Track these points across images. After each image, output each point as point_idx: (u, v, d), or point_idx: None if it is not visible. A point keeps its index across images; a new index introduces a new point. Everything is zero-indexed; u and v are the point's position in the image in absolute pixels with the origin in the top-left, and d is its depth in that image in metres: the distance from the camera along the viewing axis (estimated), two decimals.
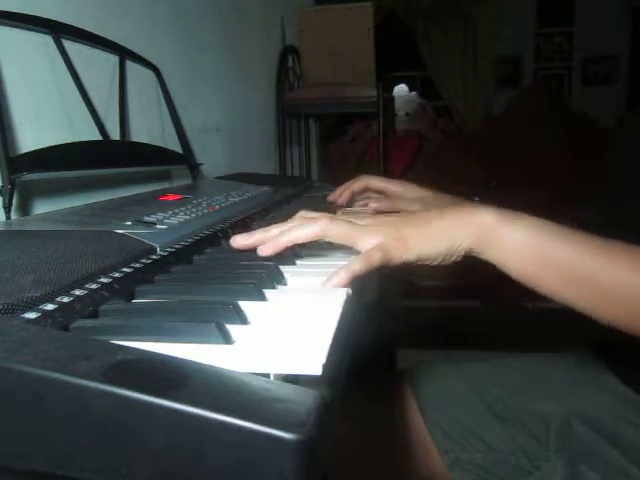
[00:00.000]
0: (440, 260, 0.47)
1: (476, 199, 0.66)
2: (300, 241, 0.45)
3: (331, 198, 0.76)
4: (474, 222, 0.46)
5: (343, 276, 0.41)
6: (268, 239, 0.45)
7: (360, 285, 0.43)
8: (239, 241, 0.47)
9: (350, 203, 0.76)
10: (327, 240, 0.45)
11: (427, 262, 0.47)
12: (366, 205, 0.73)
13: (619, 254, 0.44)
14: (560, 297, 0.46)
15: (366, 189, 0.74)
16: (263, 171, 1.60)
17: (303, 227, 0.45)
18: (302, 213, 0.49)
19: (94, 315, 0.33)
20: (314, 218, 0.46)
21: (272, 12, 1.89)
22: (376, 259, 0.44)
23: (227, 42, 1.43)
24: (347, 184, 0.71)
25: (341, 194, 0.75)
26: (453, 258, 0.47)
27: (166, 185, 0.99)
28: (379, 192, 0.74)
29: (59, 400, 0.22)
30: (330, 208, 0.71)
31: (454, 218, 0.47)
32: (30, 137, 0.67)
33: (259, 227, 0.47)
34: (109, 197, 0.73)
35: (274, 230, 0.46)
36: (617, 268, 0.44)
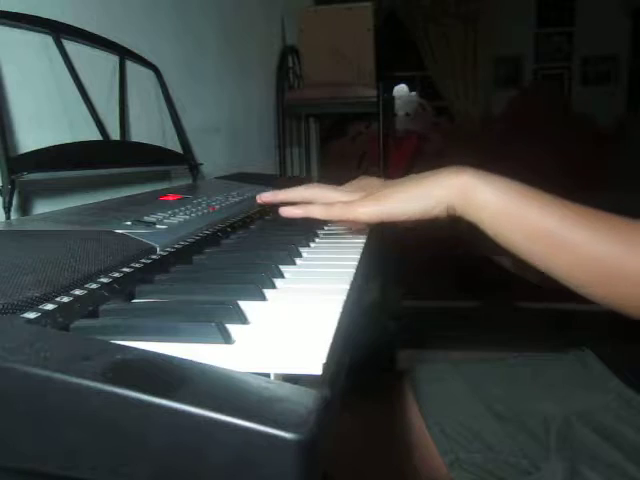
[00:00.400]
0: (414, 217, 0.50)
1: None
2: (292, 199, 0.57)
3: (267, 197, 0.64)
4: (453, 182, 0.49)
5: (299, 211, 0.52)
6: (289, 198, 0.58)
7: (360, 285, 0.43)
8: (265, 197, 0.60)
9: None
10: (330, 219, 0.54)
11: (401, 219, 0.50)
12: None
13: (593, 218, 0.45)
14: (529, 257, 0.47)
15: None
16: (263, 171, 1.60)
17: (296, 190, 0.57)
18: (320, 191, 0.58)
19: (94, 315, 0.32)
20: (331, 205, 0.53)
21: (272, 12, 1.89)
22: (335, 211, 0.51)
23: (227, 42, 1.43)
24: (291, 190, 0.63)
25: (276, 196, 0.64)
26: (431, 214, 0.50)
27: (166, 185, 0.99)
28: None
29: (59, 400, 0.22)
30: None
31: (433, 179, 0.50)
32: (30, 137, 0.67)
33: (259, 227, 0.48)
34: (109, 197, 0.73)
35: (292, 193, 0.58)
36: (587, 230, 0.45)
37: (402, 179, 0.55)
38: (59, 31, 0.72)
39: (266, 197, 0.61)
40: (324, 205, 0.52)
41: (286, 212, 0.54)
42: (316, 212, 0.51)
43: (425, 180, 0.51)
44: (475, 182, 0.48)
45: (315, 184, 0.59)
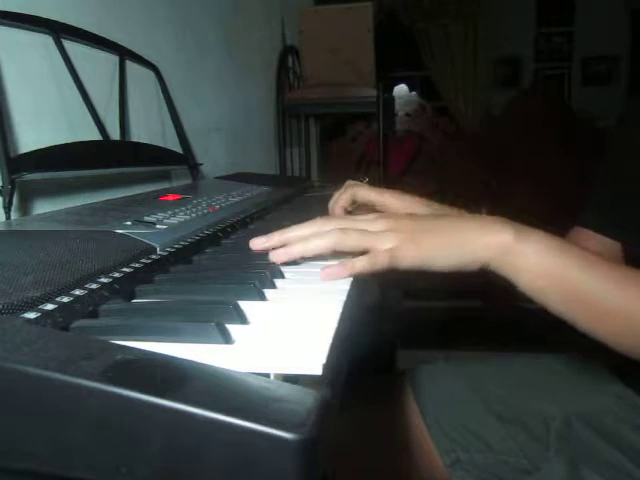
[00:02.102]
0: (450, 269, 0.47)
1: (484, 212, 0.63)
2: (312, 254, 0.45)
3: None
4: (493, 238, 0.46)
5: (340, 270, 0.42)
6: (284, 242, 0.46)
7: (360, 285, 0.43)
8: (258, 244, 0.48)
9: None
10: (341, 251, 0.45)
11: (437, 270, 0.47)
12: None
13: (631, 280, 0.45)
14: (569, 318, 0.47)
15: (354, 202, 0.64)
16: (263, 171, 1.60)
17: (316, 239, 0.45)
18: (320, 220, 0.49)
19: (94, 315, 0.32)
20: (326, 230, 0.46)
21: (272, 12, 1.89)
22: (382, 262, 0.44)
23: (227, 42, 1.43)
24: (335, 196, 0.61)
25: (333, 212, 0.63)
26: (467, 269, 0.47)
27: (166, 185, 0.99)
28: (367, 204, 0.63)
29: (59, 400, 0.22)
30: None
31: (473, 231, 0.47)
32: (30, 137, 0.67)
33: (259, 227, 0.47)
34: (109, 197, 0.73)
35: (290, 234, 0.47)
36: (624, 294, 0.45)
37: (433, 216, 0.51)
38: (59, 31, 0.72)
39: (264, 246, 0.48)
40: (367, 258, 0.45)
41: (330, 276, 0.43)
42: (360, 269, 0.44)
43: (464, 228, 0.47)
44: (516, 243, 0.46)
45: (328, 221, 0.49)
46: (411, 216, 0.51)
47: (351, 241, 0.45)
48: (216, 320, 0.29)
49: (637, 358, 0.48)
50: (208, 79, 1.32)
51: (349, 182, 0.61)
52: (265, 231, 0.49)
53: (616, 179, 0.71)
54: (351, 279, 0.42)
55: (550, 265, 0.46)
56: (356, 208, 0.64)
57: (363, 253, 0.46)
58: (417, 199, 0.58)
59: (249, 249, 0.48)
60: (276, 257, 0.45)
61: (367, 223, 0.48)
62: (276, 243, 0.47)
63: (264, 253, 0.47)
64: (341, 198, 0.59)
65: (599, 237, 0.72)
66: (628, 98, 3.87)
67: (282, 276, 0.42)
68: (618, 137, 0.75)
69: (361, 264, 0.43)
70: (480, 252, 0.46)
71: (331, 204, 0.61)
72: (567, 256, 0.46)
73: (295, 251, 0.45)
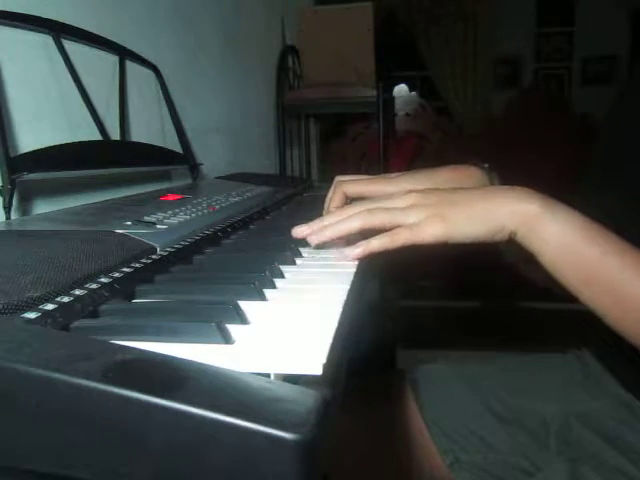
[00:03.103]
0: (477, 240, 0.47)
1: (485, 165, 0.62)
2: (343, 234, 0.48)
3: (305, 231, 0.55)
4: (520, 207, 0.46)
5: (358, 250, 0.44)
6: (322, 229, 0.49)
7: (361, 285, 0.43)
8: (299, 232, 0.50)
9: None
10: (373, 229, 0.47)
11: (463, 241, 0.47)
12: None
13: None
14: (582, 297, 0.47)
15: (346, 198, 0.63)
16: (263, 171, 1.60)
17: (345, 222, 0.48)
18: (348, 206, 0.52)
19: (94, 315, 0.32)
20: (354, 213, 0.48)
21: (272, 12, 1.89)
22: (401, 238, 0.45)
23: (227, 42, 1.43)
24: (327, 198, 0.61)
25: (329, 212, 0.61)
26: (494, 239, 0.47)
27: (166, 185, 0.99)
28: (360, 197, 0.62)
29: (59, 400, 0.22)
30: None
31: (500, 200, 0.47)
32: (30, 137, 0.67)
33: (259, 227, 0.47)
34: (109, 197, 0.73)
35: (326, 221, 0.49)
36: None
37: (458, 189, 0.51)
38: (59, 31, 0.72)
39: (305, 233, 0.50)
40: (386, 235, 0.46)
41: (348, 257, 0.45)
42: (378, 246, 0.45)
43: (492, 197, 0.48)
44: (543, 213, 0.46)
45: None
46: (436, 190, 0.52)
47: (378, 219, 0.47)
48: (216, 320, 0.29)
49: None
50: (208, 79, 1.32)
51: (337, 179, 0.61)
52: (265, 231, 0.49)
53: (608, 164, 0.70)
54: (351, 279, 0.42)
55: (574, 240, 0.46)
56: (350, 203, 0.64)
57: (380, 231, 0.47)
58: (402, 175, 0.59)
59: (249, 249, 0.48)
60: (314, 240, 0.48)
61: (393, 201, 0.49)
62: (316, 231, 0.49)
63: (264, 253, 0.47)
64: (333, 199, 0.60)
65: None
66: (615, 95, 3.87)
67: (282, 276, 0.42)
68: (615, 114, 0.73)
69: (378, 242, 0.45)
70: (507, 220, 0.46)
71: (325, 206, 0.61)
72: (591, 235, 0.46)
73: (327, 234, 0.48)
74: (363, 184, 0.59)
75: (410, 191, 0.50)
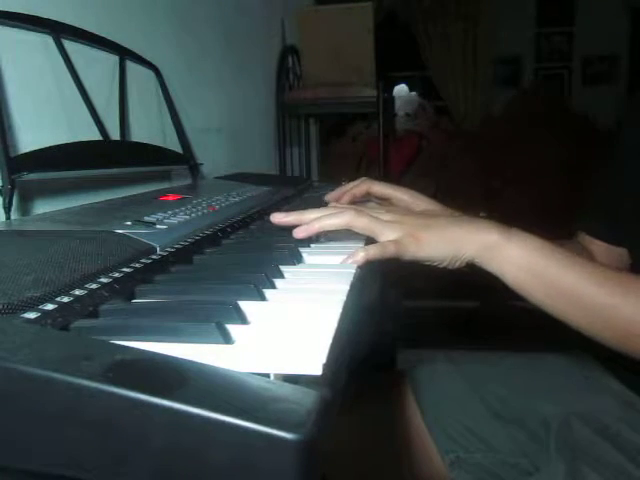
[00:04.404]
0: (445, 264, 0.52)
1: (482, 215, 0.65)
2: (329, 229, 0.50)
3: (329, 197, 0.68)
4: (481, 237, 0.51)
5: (360, 256, 0.47)
6: (302, 222, 0.51)
7: (360, 285, 0.43)
8: (278, 217, 0.52)
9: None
10: (352, 230, 0.51)
11: (433, 263, 0.52)
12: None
13: (604, 276, 0.50)
14: (549, 309, 0.52)
15: (368, 194, 0.68)
16: (263, 171, 1.60)
17: (333, 217, 0.50)
18: (332, 204, 0.56)
19: (94, 315, 0.32)
20: (342, 210, 0.51)
21: (272, 12, 1.89)
22: (390, 250, 0.49)
23: (227, 42, 1.43)
24: (348, 186, 0.65)
25: (340, 197, 0.68)
26: (457, 264, 0.52)
27: (166, 185, 0.99)
28: (382, 198, 0.67)
29: (59, 400, 0.22)
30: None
31: (466, 229, 0.52)
32: (30, 137, 0.67)
33: (259, 227, 0.47)
34: (109, 197, 0.73)
35: (308, 215, 0.51)
36: (599, 288, 0.49)
37: (435, 215, 0.57)
38: (59, 31, 0.72)
39: (283, 221, 0.52)
40: (378, 246, 0.49)
41: (350, 259, 0.48)
42: (373, 254, 0.48)
43: (457, 226, 0.53)
44: (502, 240, 0.51)
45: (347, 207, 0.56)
46: (417, 213, 0.57)
47: (362, 223, 0.50)
48: (216, 320, 0.29)
49: (625, 353, 0.51)
50: (208, 79, 1.31)
51: (364, 178, 0.65)
52: (265, 231, 0.50)
53: (617, 184, 0.71)
54: (351, 279, 0.42)
55: (531, 260, 0.51)
56: (361, 203, 0.66)
57: (369, 239, 0.51)
58: (427, 198, 0.63)
59: (249, 249, 0.48)
60: (296, 233, 0.50)
61: (378, 212, 0.53)
62: (293, 221, 0.51)
63: (264, 253, 0.47)
64: (357, 188, 0.64)
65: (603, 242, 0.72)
66: (627, 99, 3.87)
67: (282, 276, 0.42)
68: (619, 139, 0.74)
69: (373, 251, 0.48)
70: (466, 248, 0.51)
71: (336, 193, 0.65)
72: (547, 254, 0.51)
73: (314, 228, 0.50)
74: (391, 188, 0.63)
75: (394, 209, 0.57)
